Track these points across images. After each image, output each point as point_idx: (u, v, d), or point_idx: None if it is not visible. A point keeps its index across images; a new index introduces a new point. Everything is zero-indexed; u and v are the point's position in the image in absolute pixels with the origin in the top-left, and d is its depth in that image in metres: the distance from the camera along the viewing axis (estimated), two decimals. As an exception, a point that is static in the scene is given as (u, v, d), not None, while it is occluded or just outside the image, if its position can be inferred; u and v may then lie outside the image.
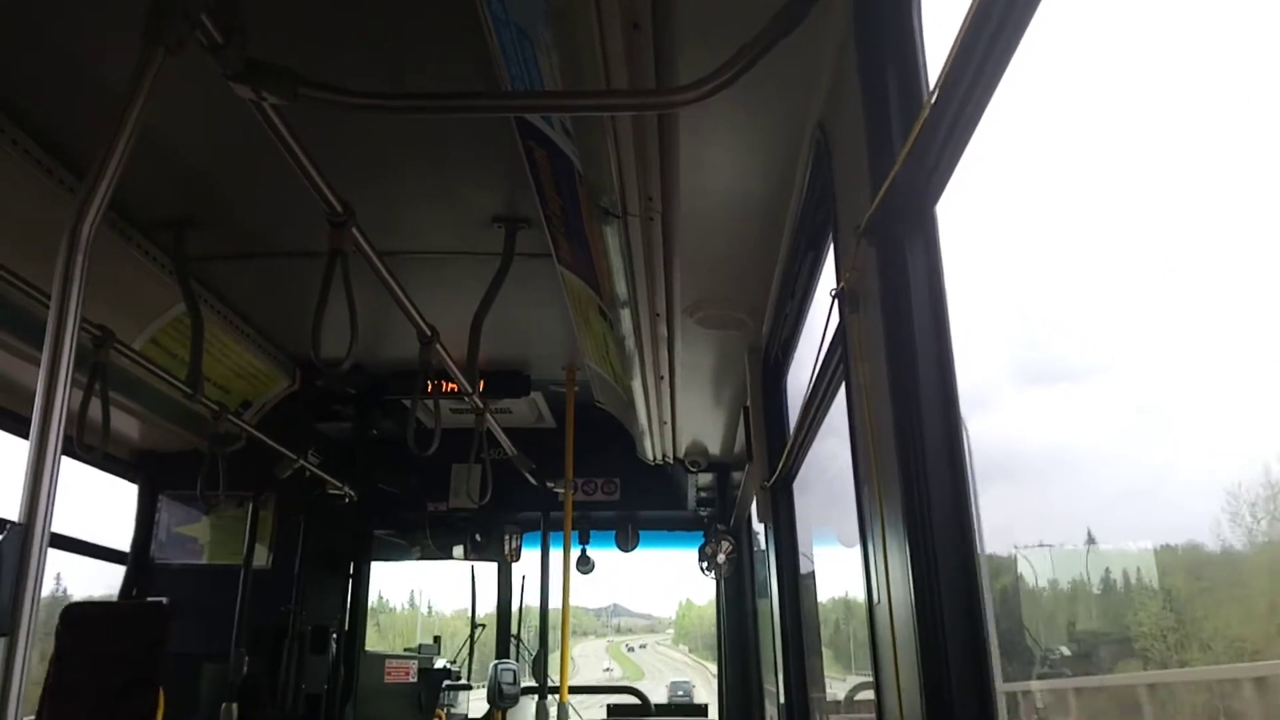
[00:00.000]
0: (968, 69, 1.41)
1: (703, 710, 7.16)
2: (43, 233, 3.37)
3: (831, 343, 2.43)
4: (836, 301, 2.13)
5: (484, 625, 8.31)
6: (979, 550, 1.63)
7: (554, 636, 6.28)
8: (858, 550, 2.07)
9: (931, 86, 1.51)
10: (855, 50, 1.95)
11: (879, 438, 1.81)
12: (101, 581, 6.05)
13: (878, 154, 1.80)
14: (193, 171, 3.75)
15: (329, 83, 2.14)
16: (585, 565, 6.80)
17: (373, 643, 6.90)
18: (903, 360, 1.66)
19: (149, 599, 5.81)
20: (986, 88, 1.42)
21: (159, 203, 3.93)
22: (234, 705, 5.17)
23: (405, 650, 7.47)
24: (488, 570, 7.55)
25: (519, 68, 2.64)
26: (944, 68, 1.44)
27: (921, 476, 1.60)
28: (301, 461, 5.54)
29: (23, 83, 3.21)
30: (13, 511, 1.70)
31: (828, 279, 2.69)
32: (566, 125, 2.78)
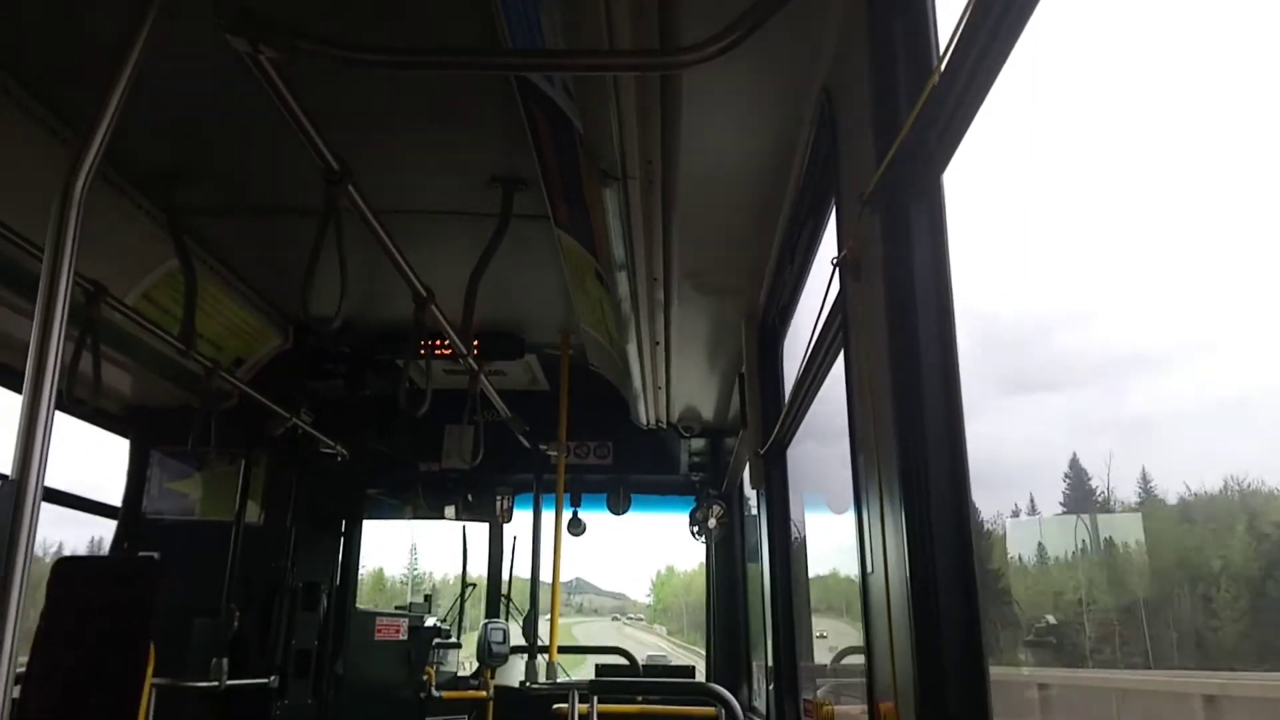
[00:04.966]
0: (980, 34, 1.39)
1: (689, 671, 7.22)
2: (35, 185, 3.33)
3: (831, 311, 2.42)
4: (838, 270, 2.12)
5: (474, 585, 8.36)
6: (974, 521, 1.63)
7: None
8: (849, 517, 2.08)
9: (941, 52, 1.49)
10: (864, 12, 1.91)
11: (877, 407, 1.81)
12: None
13: (884, 120, 1.78)
14: (186, 124, 3.69)
15: (327, 36, 2.11)
16: (577, 527, 6.82)
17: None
18: (904, 331, 1.65)
19: (141, 554, 5.82)
20: (999, 55, 1.40)
21: (151, 155, 3.88)
22: (224, 660, 5.19)
23: (396, 608, 7.51)
24: (479, 530, 7.58)
25: (521, 24, 2.60)
26: (955, 32, 1.41)
27: (920, 446, 1.60)
28: (294, 420, 5.53)
29: (15, 33, 3.14)
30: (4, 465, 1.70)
31: (828, 246, 2.67)
32: (568, 85, 2.74)
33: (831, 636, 4.67)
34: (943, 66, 1.47)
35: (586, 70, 2.38)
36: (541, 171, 3.61)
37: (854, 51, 2.01)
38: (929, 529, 1.57)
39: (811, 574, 4.42)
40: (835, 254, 2.13)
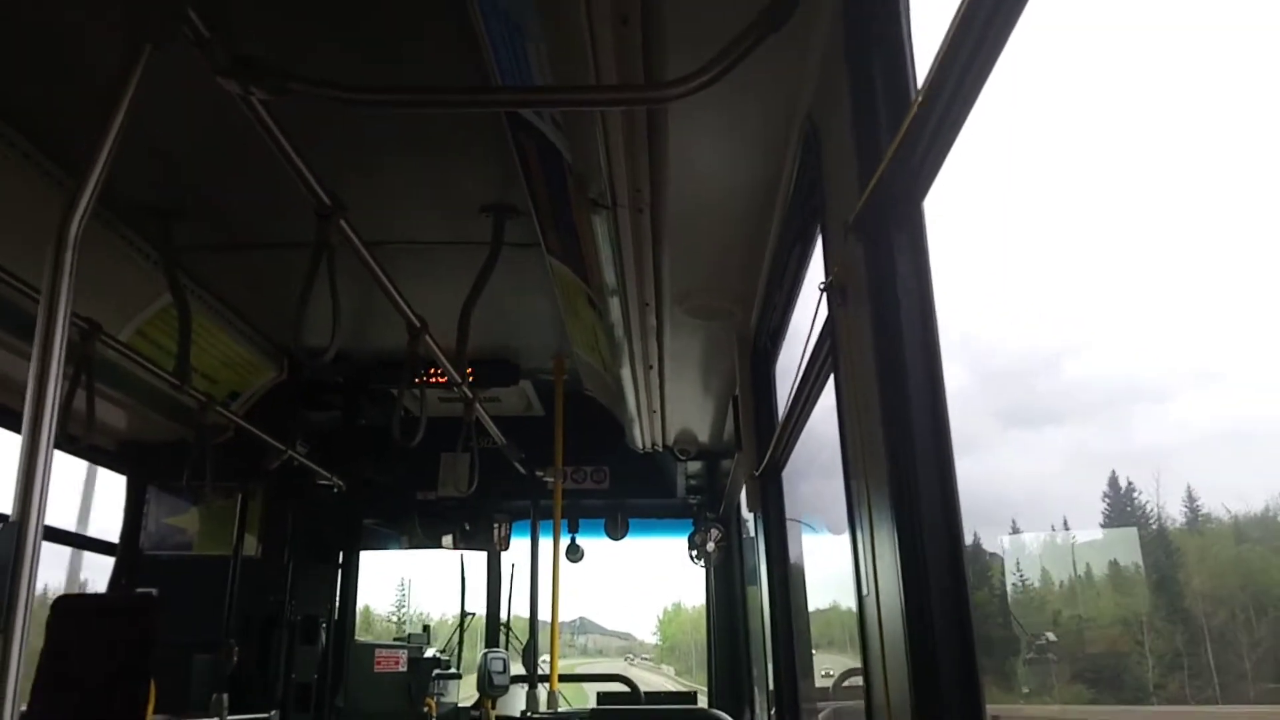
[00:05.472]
0: (956, 65, 1.42)
1: (692, 697, 7.19)
2: (31, 227, 3.35)
3: (820, 335, 2.45)
4: (825, 295, 2.14)
5: (473, 614, 8.32)
6: (965, 543, 1.65)
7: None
8: (846, 539, 2.09)
9: (920, 82, 1.52)
10: (844, 44, 1.95)
11: (868, 431, 1.83)
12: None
13: (866, 149, 1.81)
14: (180, 163, 3.72)
15: (318, 76, 2.14)
16: (575, 553, 6.81)
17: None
18: (891, 355, 1.67)
19: (139, 590, 5.80)
20: (975, 84, 1.43)
21: (145, 194, 3.91)
22: (224, 695, 5.17)
23: (395, 640, 7.48)
24: (477, 560, 7.55)
25: (509, 58, 2.64)
26: (933, 63, 1.44)
27: (910, 470, 1.61)
28: (290, 452, 5.53)
29: (9, 78, 3.18)
30: (4, 505, 1.71)
31: (816, 270, 2.70)
32: (556, 117, 2.78)
33: (837, 672, 4.65)
34: (921, 96, 1.50)
35: (573, 106, 2.42)
36: (532, 200, 3.64)
37: (835, 82, 2.04)
38: (922, 550, 1.59)
39: (812, 599, 4.41)
40: (822, 279, 2.16)
